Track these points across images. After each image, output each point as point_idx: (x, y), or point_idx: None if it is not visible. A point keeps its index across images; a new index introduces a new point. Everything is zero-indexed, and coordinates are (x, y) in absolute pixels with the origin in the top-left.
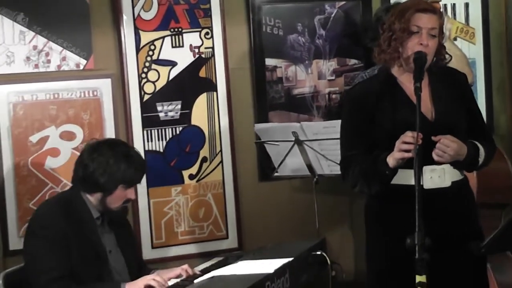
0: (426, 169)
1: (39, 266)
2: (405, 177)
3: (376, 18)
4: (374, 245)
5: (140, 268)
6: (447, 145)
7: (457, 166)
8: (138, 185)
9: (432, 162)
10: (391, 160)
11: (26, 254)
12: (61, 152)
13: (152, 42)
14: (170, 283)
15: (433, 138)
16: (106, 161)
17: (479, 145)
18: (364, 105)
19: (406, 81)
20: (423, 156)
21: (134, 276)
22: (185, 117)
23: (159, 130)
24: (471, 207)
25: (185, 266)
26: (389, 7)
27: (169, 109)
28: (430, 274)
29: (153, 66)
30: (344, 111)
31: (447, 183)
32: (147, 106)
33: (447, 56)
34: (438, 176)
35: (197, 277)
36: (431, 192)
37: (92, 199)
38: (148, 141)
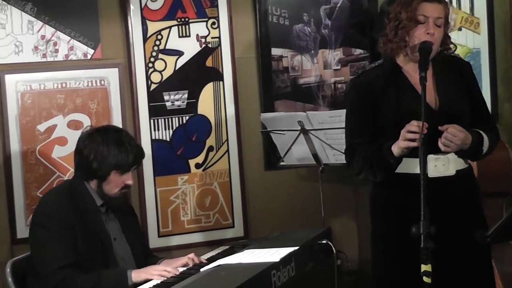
0: (430, 157)
1: (46, 255)
2: (410, 166)
3: (380, 11)
4: (379, 234)
5: (146, 255)
6: (454, 134)
7: (461, 155)
8: (145, 174)
9: (437, 150)
10: (396, 148)
11: (33, 244)
12: (69, 141)
13: (159, 32)
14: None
15: (440, 128)
16: (96, 147)
17: (483, 134)
18: (369, 93)
19: (411, 71)
20: (428, 145)
21: (140, 263)
22: (192, 106)
23: (166, 119)
24: (475, 195)
25: (191, 255)
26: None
27: (175, 99)
28: (434, 262)
29: (160, 55)
30: (349, 99)
31: (451, 171)
32: (154, 96)
33: (452, 46)
34: (442, 165)
35: (204, 266)
36: (435, 180)
37: (92, 186)
38: (154, 130)
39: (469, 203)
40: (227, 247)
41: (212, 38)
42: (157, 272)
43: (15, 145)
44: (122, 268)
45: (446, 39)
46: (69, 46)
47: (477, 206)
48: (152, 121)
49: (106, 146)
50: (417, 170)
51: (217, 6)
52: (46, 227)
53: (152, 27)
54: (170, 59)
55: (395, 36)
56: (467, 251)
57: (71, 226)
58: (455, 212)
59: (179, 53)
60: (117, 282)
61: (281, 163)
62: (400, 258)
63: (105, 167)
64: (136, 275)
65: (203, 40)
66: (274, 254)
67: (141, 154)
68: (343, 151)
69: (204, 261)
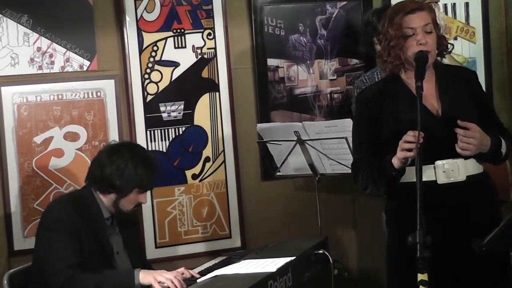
0: (439, 164)
1: (53, 255)
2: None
3: (365, 22)
4: (393, 245)
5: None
6: (470, 135)
7: (482, 159)
8: None
9: (444, 156)
10: (395, 160)
11: (39, 246)
12: (65, 152)
13: (155, 43)
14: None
15: (456, 130)
16: (125, 163)
17: (499, 136)
18: (371, 108)
19: (411, 79)
20: (434, 152)
21: None
22: (188, 117)
23: (162, 130)
24: (488, 202)
25: (181, 270)
26: (375, 11)
27: (172, 110)
28: (446, 271)
29: (156, 66)
30: (354, 115)
31: (461, 177)
32: (150, 107)
33: (449, 45)
34: (451, 170)
35: (198, 278)
36: (446, 187)
37: (105, 199)
38: (151, 141)
39: (483, 209)
40: (224, 257)
41: (208, 49)
42: (159, 278)
43: (11, 157)
44: (130, 269)
45: (441, 40)
46: (65, 57)
47: (490, 213)
48: (148, 132)
49: (134, 165)
50: (426, 178)
51: (212, 17)
52: (53, 229)
53: (148, 38)
54: (166, 70)
55: (389, 55)
56: (482, 259)
57: (77, 232)
58: (466, 218)
59: (175, 64)
60: (124, 280)
61: (278, 174)
62: (412, 269)
63: (129, 184)
64: (143, 275)
65: (199, 51)
66: (271, 264)
67: (158, 174)
68: (340, 160)
69: (196, 275)
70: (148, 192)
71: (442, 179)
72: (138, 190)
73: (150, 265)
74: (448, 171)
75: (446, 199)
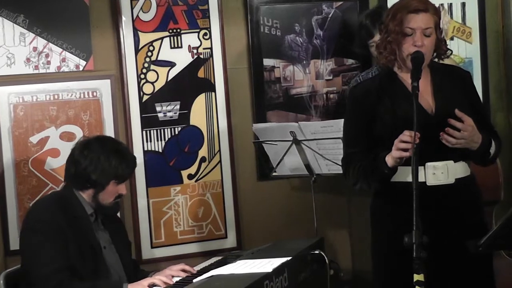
0: (429, 165)
1: (39, 259)
2: (407, 174)
3: (359, 24)
4: (379, 245)
5: (135, 266)
6: (463, 128)
7: (470, 157)
8: (138, 185)
9: (435, 158)
10: (389, 159)
11: (25, 250)
12: (61, 152)
13: (151, 43)
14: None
15: (448, 120)
16: (97, 157)
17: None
18: (365, 103)
19: (407, 77)
20: (425, 152)
21: (129, 273)
22: (184, 117)
23: (158, 130)
24: (475, 205)
25: (181, 265)
26: (369, 14)
27: (168, 110)
28: (434, 272)
29: (152, 66)
30: (347, 109)
31: (450, 179)
32: (146, 107)
33: (448, 52)
34: (441, 173)
35: (196, 277)
36: (435, 189)
37: (85, 195)
38: (147, 141)
39: (469, 212)
40: (220, 258)
41: (204, 49)
42: (148, 282)
43: (7, 157)
44: (117, 281)
45: (440, 44)
46: (61, 57)
47: (478, 216)
48: (144, 132)
49: (106, 156)
50: (411, 179)
51: (208, 17)
52: (38, 231)
53: (144, 38)
54: (162, 70)
55: (385, 49)
56: (467, 259)
57: (62, 231)
58: (455, 221)
59: (171, 64)
60: None
61: (274, 174)
62: (400, 269)
63: (104, 177)
64: (132, 287)
65: (195, 51)
66: (267, 265)
67: (136, 163)
68: (336, 161)
69: (194, 270)
70: (144, 192)
71: (431, 181)
72: (114, 181)
73: (135, 261)
74: (438, 173)
75: (433, 200)
